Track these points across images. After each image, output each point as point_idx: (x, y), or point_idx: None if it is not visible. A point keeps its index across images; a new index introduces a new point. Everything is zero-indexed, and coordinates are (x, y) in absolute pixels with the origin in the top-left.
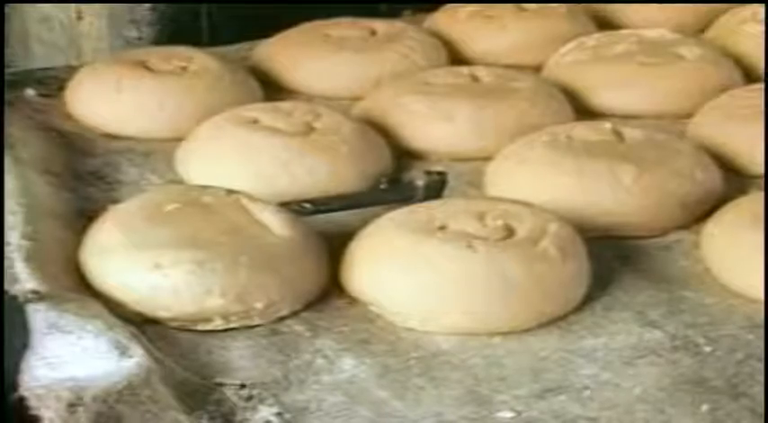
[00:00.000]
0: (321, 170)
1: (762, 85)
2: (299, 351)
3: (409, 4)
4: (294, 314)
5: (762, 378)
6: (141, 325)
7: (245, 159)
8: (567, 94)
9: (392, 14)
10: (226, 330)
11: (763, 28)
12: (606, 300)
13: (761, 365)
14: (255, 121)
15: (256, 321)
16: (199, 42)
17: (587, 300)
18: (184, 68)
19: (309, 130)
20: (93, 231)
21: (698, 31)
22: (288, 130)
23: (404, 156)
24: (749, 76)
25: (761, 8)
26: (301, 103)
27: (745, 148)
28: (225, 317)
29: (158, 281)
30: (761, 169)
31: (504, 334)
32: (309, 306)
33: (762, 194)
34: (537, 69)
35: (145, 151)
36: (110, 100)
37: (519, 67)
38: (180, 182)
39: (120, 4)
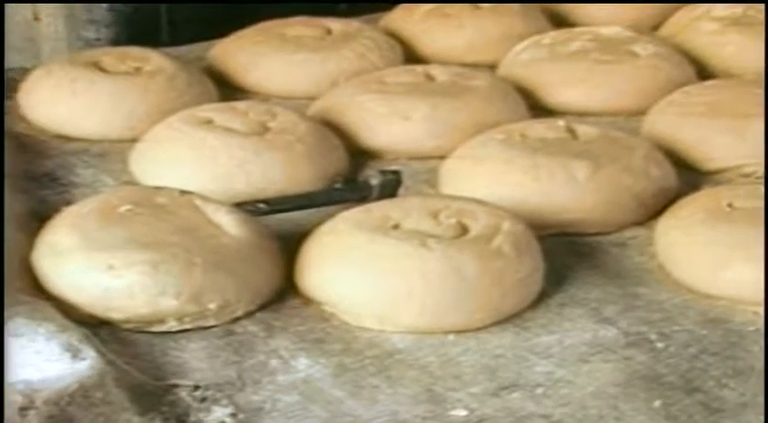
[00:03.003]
0: (276, 170)
1: (714, 82)
2: (254, 351)
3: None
4: (249, 314)
5: (716, 373)
6: (95, 327)
7: (199, 160)
8: (522, 91)
9: (352, 14)
10: (180, 331)
11: (715, 25)
12: (561, 297)
13: (714, 360)
14: (210, 122)
15: (211, 322)
16: (159, 43)
17: (542, 297)
18: (139, 69)
19: (264, 129)
20: (47, 233)
21: (653, 28)
22: (243, 129)
23: (360, 155)
24: (703, 73)
25: (714, 5)
26: (256, 102)
27: (699, 144)
28: (179, 318)
29: (112, 282)
30: (714, 165)
31: (460, 332)
32: (265, 306)
33: (716, 189)
34: (493, 67)
35: (99, 152)
36: (64, 101)
37: (475, 66)
38: (135, 183)
39: (79, 4)
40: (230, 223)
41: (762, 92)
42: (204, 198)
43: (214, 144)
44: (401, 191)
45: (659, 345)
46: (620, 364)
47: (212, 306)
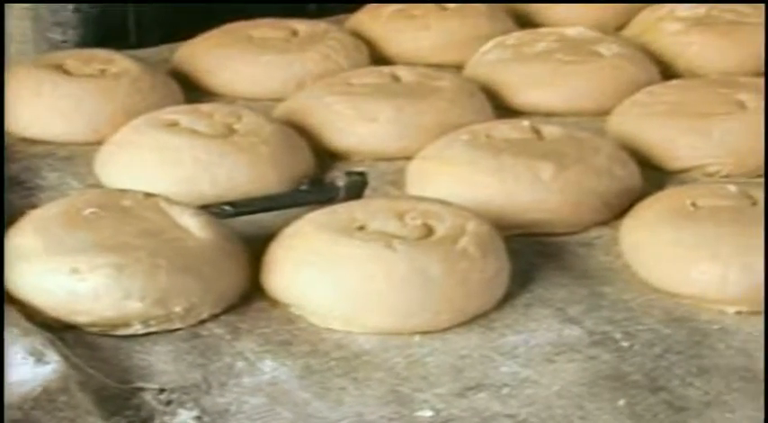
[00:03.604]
0: (242, 172)
1: (678, 82)
2: (220, 354)
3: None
4: (215, 317)
5: (680, 371)
6: (60, 331)
7: (165, 162)
8: (488, 92)
9: (321, 15)
10: (146, 335)
11: (679, 25)
12: (527, 297)
13: (678, 359)
14: (175, 124)
15: (177, 325)
16: (126, 45)
17: (508, 297)
18: (104, 71)
19: (230, 131)
20: (12, 237)
21: (617, 28)
22: (208, 132)
23: (326, 156)
24: (667, 73)
25: (677, 5)
26: (222, 105)
27: (663, 143)
28: (144, 321)
29: (76, 286)
30: (678, 164)
31: (426, 333)
32: (231, 309)
33: (680, 189)
34: (459, 68)
35: (65, 156)
36: (29, 104)
37: (441, 67)
38: (100, 186)
39: (44, 5)
40: (196, 226)
41: (727, 91)
42: (169, 201)
43: (179, 146)
44: (367, 192)
45: (624, 344)
46: (585, 363)
47: (178, 309)
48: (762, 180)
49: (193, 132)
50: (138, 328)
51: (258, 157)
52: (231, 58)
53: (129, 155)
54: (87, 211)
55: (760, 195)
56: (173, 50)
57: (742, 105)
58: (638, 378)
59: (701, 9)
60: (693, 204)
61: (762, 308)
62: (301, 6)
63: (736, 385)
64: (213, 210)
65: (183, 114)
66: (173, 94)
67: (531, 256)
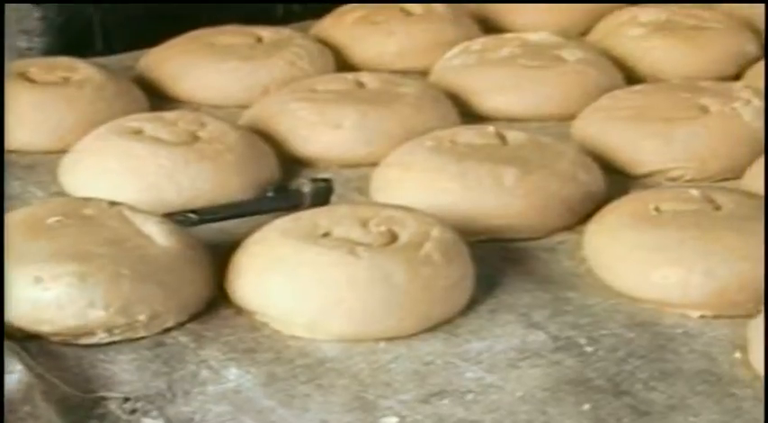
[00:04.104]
0: (206, 179)
1: (641, 87)
2: (184, 362)
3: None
4: (180, 325)
5: (644, 375)
6: (23, 340)
7: (129, 170)
8: (453, 98)
9: (287, 20)
10: (110, 343)
11: (641, 30)
12: (491, 302)
13: (642, 363)
14: (139, 132)
15: (141, 333)
16: (92, 52)
17: (472, 303)
18: (67, 79)
19: (194, 139)
20: None
21: (580, 34)
22: (172, 139)
23: (291, 163)
24: (630, 78)
25: (640, 11)
26: (186, 112)
27: (627, 148)
28: (108, 330)
29: (40, 295)
30: (642, 169)
31: (390, 339)
32: (195, 316)
33: (643, 193)
34: (424, 74)
35: (28, 164)
36: None
37: (406, 72)
38: (64, 194)
39: (11, 14)
40: (160, 234)
41: (689, 95)
42: (133, 209)
43: (142, 154)
44: (333, 199)
45: (588, 349)
46: (549, 368)
47: (141, 317)
48: (725, 184)
49: (157, 140)
50: (102, 337)
51: (223, 165)
52: (196, 65)
53: (93, 163)
54: (50, 220)
55: (723, 200)
56: (138, 58)
57: (705, 110)
58: (601, 383)
59: (663, 14)
60: (656, 209)
61: (725, 311)
62: (268, 12)
63: (700, 388)
64: (178, 217)
65: (147, 122)
66: (137, 101)
67: (496, 261)
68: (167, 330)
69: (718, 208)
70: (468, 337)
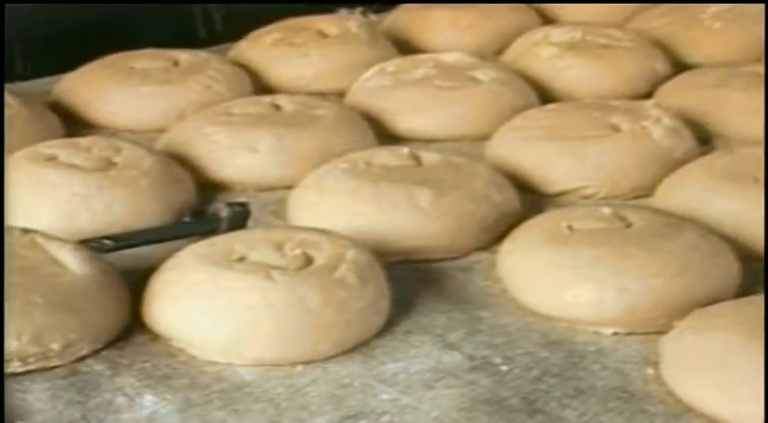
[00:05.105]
0: (121, 205)
1: (554, 106)
2: (99, 390)
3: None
4: (95, 353)
5: (558, 393)
6: None
7: (42, 197)
8: (369, 119)
9: (210, 43)
10: (25, 373)
11: (554, 50)
12: (407, 323)
13: (556, 381)
14: (54, 158)
15: (55, 362)
16: (12, 74)
17: (389, 324)
18: None
19: (109, 165)
20: None
21: (495, 53)
22: (86, 165)
23: (208, 187)
24: (545, 97)
25: (552, 31)
26: (101, 137)
27: (540, 167)
28: (22, 359)
29: None
30: (555, 188)
31: (307, 362)
32: (111, 344)
33: (556, 212)
34: (341, 95)
35: None
36: None
37: (323, 94)
38: None
39: None
40: (73, 261)
41: (600, 114)
42: (47, 236)
43: (56, 181)
44: (250, 222)
45: (503, 368)
46: (464, 388)
47: (55, 346)
48: (637, 202)
49: (71, 166)
50: (16, 367)
51: (138, 190)
52: (111, 90)
53: (7, 190)
54: None
55: (633, 217)
56: (53, 83)
57: (615, 128)
58: (515, 402)
59: (576, 33)
60: (569, 227)
61: (638, 328)
62: (190, 35)
63: (612, 405)
64: (93, 244)
65: (61, 148)
66: (52, 127)
67: (412, 282)
68: (82, 358)
69: (629, 225)
70: (384, 359)
